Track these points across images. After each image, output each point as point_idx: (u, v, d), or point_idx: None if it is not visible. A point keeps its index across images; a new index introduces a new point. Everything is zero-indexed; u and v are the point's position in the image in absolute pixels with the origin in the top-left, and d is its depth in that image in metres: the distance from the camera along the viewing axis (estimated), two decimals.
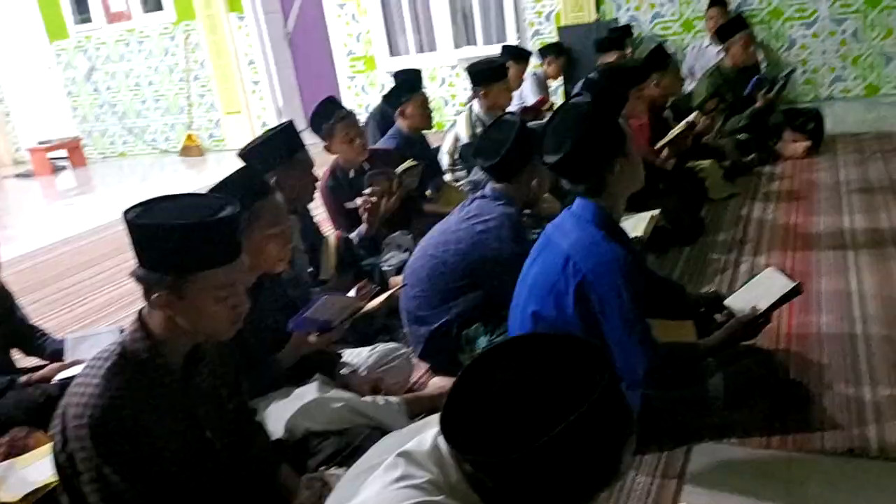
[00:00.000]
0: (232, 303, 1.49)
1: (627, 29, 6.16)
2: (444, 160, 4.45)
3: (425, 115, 4.17)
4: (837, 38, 6.24)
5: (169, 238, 1.39)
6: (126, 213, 1.44)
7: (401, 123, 4.15)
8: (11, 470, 1.96)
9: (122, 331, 2.75)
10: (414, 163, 3.64)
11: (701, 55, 6.33)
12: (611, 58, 5.21)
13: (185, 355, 1.55)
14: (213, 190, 1.88)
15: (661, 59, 4.08)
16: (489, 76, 4.30)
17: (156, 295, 1.44)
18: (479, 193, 2.68)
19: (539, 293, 2.02)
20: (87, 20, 9.02)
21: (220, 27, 8.36)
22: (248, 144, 2.85)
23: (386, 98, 4.32)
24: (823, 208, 3.83)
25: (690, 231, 3.66)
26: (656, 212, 3.10)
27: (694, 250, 3.52)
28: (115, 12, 8.89)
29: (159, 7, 8.68)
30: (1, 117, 10.04)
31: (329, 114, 3.52)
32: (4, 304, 2.69)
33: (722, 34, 4.80)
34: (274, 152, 2.75)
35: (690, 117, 3.85)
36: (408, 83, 4.27)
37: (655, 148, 3.85)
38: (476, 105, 4.38)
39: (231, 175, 2.02)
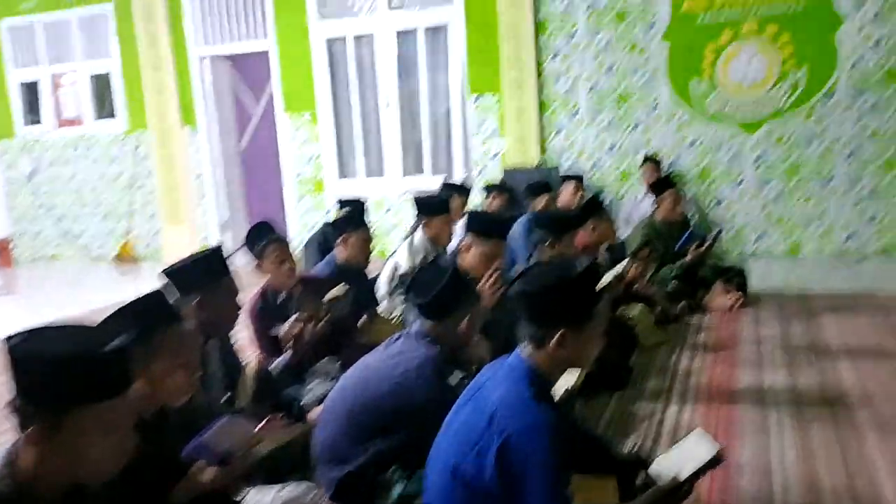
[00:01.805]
0: (113, 442, 1.38)
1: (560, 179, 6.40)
2: (382, 288, 4.43)
3: (364, 252, 4.19)
4: (762, 199, 6.63)
5: (47, 369, 1.30)
6: (8, 339, 1.35)
7: (339, 252, 4.15)
8: None
9: None
10: (345, 288, 3.60)
11: (637, 205, 6.63)
12: (542, 201, 5.43)
13: (62, 498, 1.41)
14: (117, 314, 1.80)
15: (597, 207, 4.27)
16: (433, 208, 4.42)
17: (30, 430, 1.32)
18: (405, 331, 2.64)
19: (461, 446, 1.92)
20: (37, 122, 9.01)
21: (172, 139, 8.43)
22: (174, 264, 2.78)
23: (333, 224, 4.35)
24: (747, 364, 3.90)
25: (619, 378, 3.66)
26: None
27: (623, 397, 3.50)
28: (66, 118, 8.92)
29: (112, 115, 8.74)
30: None
31: (261, 235, 3.55)
32: None
33: (654, 190, 5.05)
34: (199, 275, 2.69)
35: (621, 266, 3.95)
36: (356, 216, 4.31)
37: None
38: (418, 235, 4.45)
39: (139, 299, 1.94)
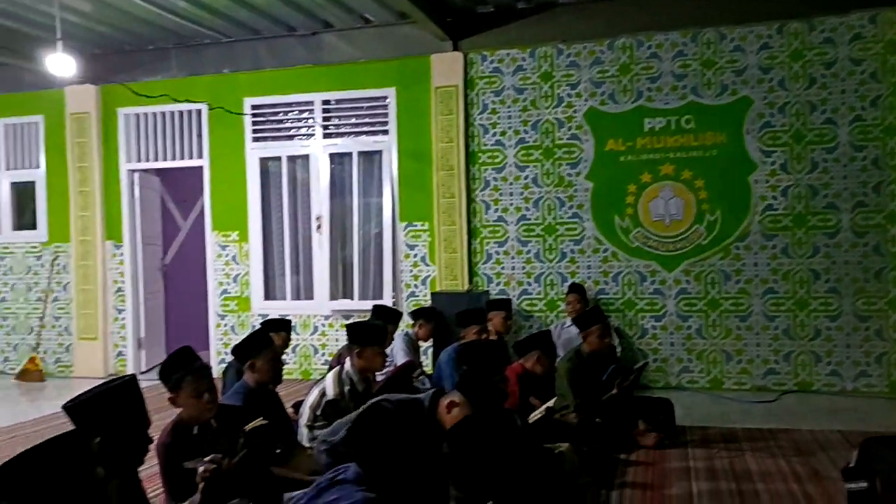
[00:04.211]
0: None
1: (491, 305, 6.44)
2: (306, 415, 4.27)
3: (276, 370, 4.08)
4: (684, 332, 6.81)
5: None
6: None
7: (248, 378, 4.00)
8: None
9: None
10: (263, 422, 3.43)
11: (564, 332, 6.70)
12: (472, 331, 5.44)
13: None
14: (13, 463, 1.63)
15: (544, 339, 4.39)
16: (368, 338, 4.35)
17: None
18: (340, 476, 2.49)
19: None
20: None
21: (94, 253, 8.18)
22: (77, 397, 2.59)
23: (234, 351, 4.21)
24: None
25: None
26: None
27: None
28: None
29: (33, 227, 8.45)
30: None
31: (181, 364, 3.33)
32: None
33: (580, 323, 5.12)
34: (106, 410, 2.51)
35: (550, 403, 3.93)
36: (259, 338, 4.19)
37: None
38: (348, 363, 4.34)
39: (45, 445, 1.78)
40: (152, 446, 2.86)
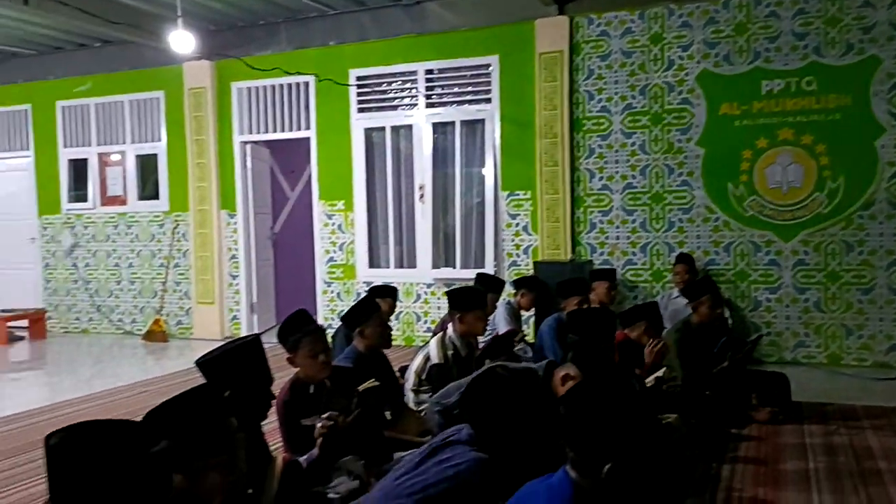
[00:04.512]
0: None
1: (592, 275, 6.34)
2: (411, 379, 4.38)
3: (384, 335, 4.17)
4: (801, 305, 6.50)
5: (86, 476, 1.26)
6: (48, 438, 1.32)
7: (358, 343, 4.12)
8: None
9: None
10: (375, 383, 3.54)
11: (670, 303, 6.53)
12: (573, 301, 5.37)
13: None
14: (159, 410, 1.76)
15: (652, 310, 4.38)
16: (468, 303, 4.39)
17: None
18: (453, 436, 2.54)
19: None
20: (83, 199, 9.27)
21: (210, 222, 8.60)
22: (208, 354, 2.76)
23: (343, 318, 4.33)
24: (791, 484, 3.71)
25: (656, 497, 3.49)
26: None
27: None
28: (111, 196, 9.18)
29: (156, 197, 8.98)
30: None
31: (298, 326, 3.48)
32: None
33: (689, 293, 4.97)
34: (234, 367, 2.66)
35: (659, 373, 3.86)
36: (367, 304, 4.29)
37: None
38: (451, 329, 4.41)
39: (186, 395, 1.91)
40: (274, 402, 3.03)
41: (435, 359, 4.33)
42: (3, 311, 8.96)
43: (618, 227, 7.08)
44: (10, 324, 8.79)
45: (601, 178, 7.10)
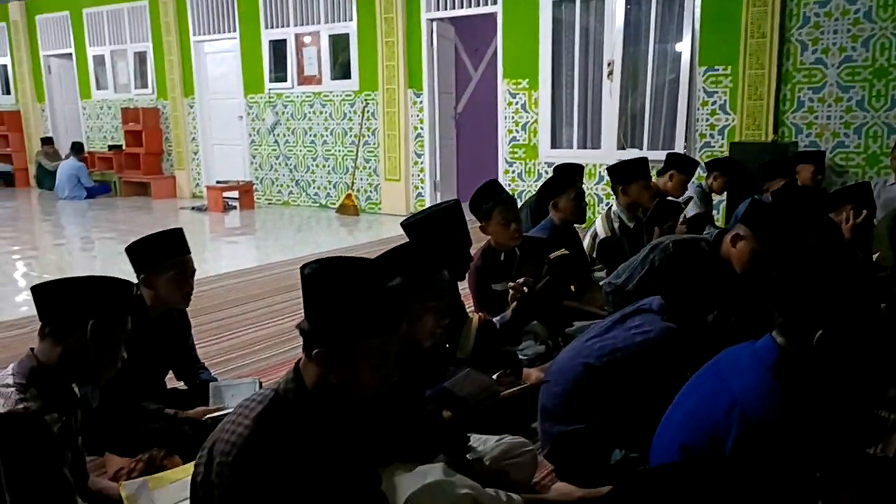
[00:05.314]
0: (383, 372, 1.49)
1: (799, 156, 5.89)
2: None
3: (578, 209, 4.17)
4: None
5: (341, 301, 1.42)
6: (303, 268, 1.49)
7: (553, 215, 4.16)
8: (143, 489, 2.03)
9: (260, 384, 2.86)
10: (565, 252, 3.61)
11: (885, 191, 5.92)
12: (777, 184, 5.01)
13: (332, 409, 1.56)
14: (384, 256, 1.93)
15: (863, 192, 4.00)
16: (630, 174, 4.34)
17: (316, 351, 1.47)
18: (645, 305, 2.57)
19: (692, 430, 1.85)
20: (283, 79, 9.86)
21: (398, 101, 8.85)
22: (413, 216, 2.93)
23: (540, 191, 4.36)
24: None
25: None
26: None
27: None
28: (307, 76, 9.68)
29: (347, 76, 9.34)
30: (189, 155, 11.07)
31: (490, 196, 3.58)
32: (183, 333, 2.88)
33: None
34: (437, 228, 2.81)
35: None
36: (564, 177, 4.29)
37: None
38: (615, 203, 4.38)
39: (403, 247, 2.07)
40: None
41: (601, 234, 4.39)
42: (218, 182, 9.96)
43: (829, 106, 6.43)
44: (224, 194, 9.77)
45: (815, 51, 6.41)
